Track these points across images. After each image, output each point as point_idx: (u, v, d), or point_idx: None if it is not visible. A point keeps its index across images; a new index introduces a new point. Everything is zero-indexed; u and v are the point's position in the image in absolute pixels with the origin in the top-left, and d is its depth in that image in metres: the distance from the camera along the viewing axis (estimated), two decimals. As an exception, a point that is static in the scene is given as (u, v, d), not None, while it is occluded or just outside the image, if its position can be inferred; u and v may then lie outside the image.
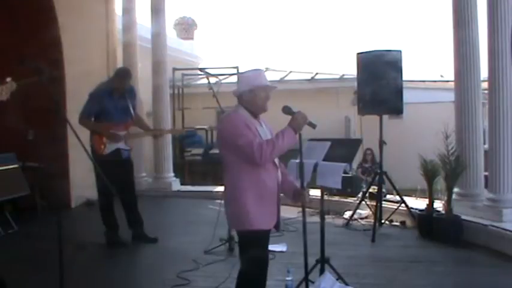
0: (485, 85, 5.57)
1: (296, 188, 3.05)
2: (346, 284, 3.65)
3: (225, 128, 2.89)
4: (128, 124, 5.27)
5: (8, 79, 2.72)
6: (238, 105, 2.95)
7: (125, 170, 5.28)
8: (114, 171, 4.97)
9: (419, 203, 6.24)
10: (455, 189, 5.55)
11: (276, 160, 2.96)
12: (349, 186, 7.02)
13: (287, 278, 3.55)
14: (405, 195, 6.25)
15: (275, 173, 2.95)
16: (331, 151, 3.81)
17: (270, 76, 3.07)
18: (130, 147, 5.27)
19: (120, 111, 5.17)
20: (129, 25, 8.82)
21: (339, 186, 3.72)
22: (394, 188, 6.09)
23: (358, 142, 4.68)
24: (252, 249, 2.87)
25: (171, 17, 17.40)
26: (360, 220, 6.28)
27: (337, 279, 3.64)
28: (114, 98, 5.17)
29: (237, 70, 10.89)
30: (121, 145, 5.18)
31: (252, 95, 2.89)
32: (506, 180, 5.13)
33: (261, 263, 2.94)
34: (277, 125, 3.01)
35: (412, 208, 6.00)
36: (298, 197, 3.05)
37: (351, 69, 10.09)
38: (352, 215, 6.28)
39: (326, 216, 4.41)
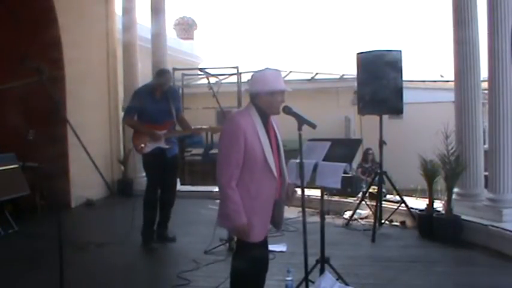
0: (485, 85, 5.57)
1: (288, 184, 3.04)
2: (346, 284, 3.65)
3: (224, 131, 2.85)
4: (166, 124, 5.26)
5: None
6: (250, 105, 2.88)
7: (167, 169, 5.32)
8: (157, 170, 5.22)
9: (419, 203, 6.24)
10: (455, 189, 5.55)
11: (274, 170, 2.87)
12: (349, 186, 7.02)
13: (287, 278, 3.54)
14: (405, 195, 6.25)
15: (272, 182, 2.88)
16: (331, 151, 3.80)
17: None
18: (170, 146, 5.28)
19: (159, 111, 5.20)
20: (129, 25, 8.81)
21: (339, 186, 3.72)
22: (394, 188, 6.09)
23: (358, 142, 4.67)
24: (244, 255, 2.87)
25: (171, 17, 17.46)
26: (360, 220, 6.28)
27: (337, 279, 3.64)
28: (154, 98, 5.24)
29: (237, 70, 10.90)
30: (161, 143, 5.20)
31: (271, 97, 2.83)
32: (506, 180, 5.13)
33: (255, 268, 2.92)
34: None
35: (412, 208, 6.00)
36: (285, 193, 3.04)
37: (351, 69, 10.13)
38: (352, 215, 6.28)
39: (326, 216, 4.41)
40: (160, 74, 5.40)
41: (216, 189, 9.08)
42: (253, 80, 2.90)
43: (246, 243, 2.83)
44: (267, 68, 2.93)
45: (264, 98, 2.84)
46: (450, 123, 5.59)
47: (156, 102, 5.21)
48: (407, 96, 6.16)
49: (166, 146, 5.25)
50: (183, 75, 11.72)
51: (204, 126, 5.51)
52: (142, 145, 5.16)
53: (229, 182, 2.76)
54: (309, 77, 13.07)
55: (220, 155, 2.82)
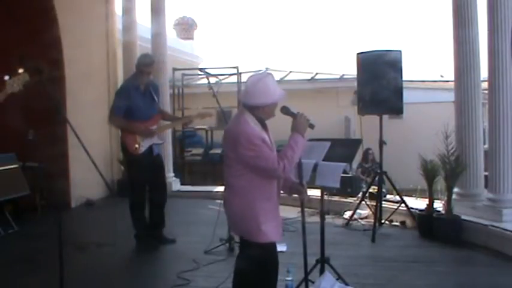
0: (485, 85, 5.57)
1: (293, 182, 3.04)
2: (346, 284, 3.65)
3: (242, 135, 2.70)
4: (155, 118, 5.18)
5: (21, 70, 2.69)
6: (248, 114, 2.77)
7: (155, 167, 5.21)
8: (146, 169, 5.02)
9: (419, 203, 6.24)
10: (455, 189, 5.55)
11: None
12: (349, 186, 7.02)
13: (287, 278, 3.54)
14: (405, 195, 6.25)
15: (278, 181, 2.91)
16: (331, 151, 3.80)
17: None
18: (163, 141, 5.21)
19: (148, 105, 5.08)
20: (129, 25, 8.81)
21: (337, 185, 3.72)
22: (394, 188, 6.09)
23: (358, 142, 4.67)
24: (264, 261, 2.82)
25: (171, 17, 17.43)
26: (360, 220, 6.28)
27: (337, 279, 3.64)
28: (140, 93, 5.08)
29: (237, 70, 10.89)
30: (154, 140, 5.12)
31: (273, 106, 2.81)
32: (506, 180, 5.13)
33: (272, 273, 2.90)
34: (276, 125, 3.01)
35: (412, 208, 6.00)
36: (295, 192, 3.04)
37: (351, 69, 10.11)
38: (352, 215, 6.28)
39: (326, 216, 4.41)
40: (148, 61, 5.09)
41: (216, 189, 9.07)
42: (256, 92, 2.76)
43: (267, 244, 2.78)
44: (265, 76, 2.84)
45: (269, 109, 2.80)
46: (450, 123, 5.60)
47: (143, 97, 5.07)
48: (407, 96, 6.16)
49: (160, 141, 5.19)
50: (183, 75, 11.71)
51: (193, 114, 5.41)
52: (137, 145, 4.98)
53: (275, 164, 2.69)
54: (309, 77, 13.06)
55: (253, 158, 2.68)
